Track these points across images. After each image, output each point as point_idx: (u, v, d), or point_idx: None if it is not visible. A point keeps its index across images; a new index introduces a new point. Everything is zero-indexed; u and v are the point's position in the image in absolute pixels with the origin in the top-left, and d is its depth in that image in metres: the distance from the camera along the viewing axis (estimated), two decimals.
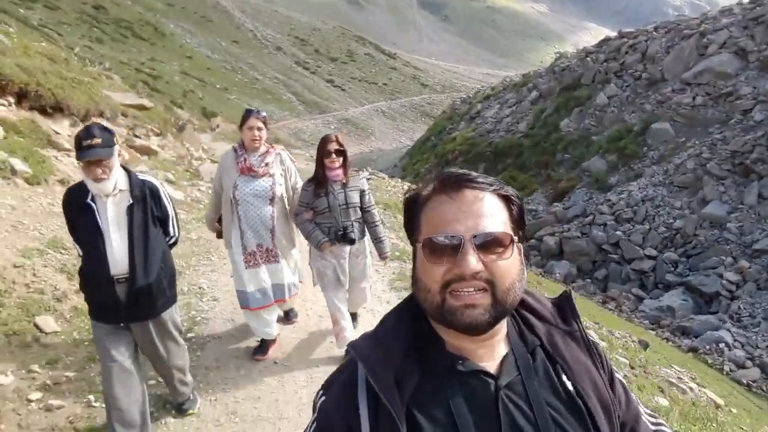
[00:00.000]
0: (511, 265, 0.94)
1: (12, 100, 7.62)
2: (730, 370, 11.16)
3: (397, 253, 6.72)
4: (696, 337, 12.49)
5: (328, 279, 3.93)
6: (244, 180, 3.84)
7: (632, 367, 6.24)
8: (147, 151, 10.05)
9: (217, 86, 54.30)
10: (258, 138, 3.84)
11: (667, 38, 23.30)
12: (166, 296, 3.01)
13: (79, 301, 4.33)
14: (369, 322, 4.42)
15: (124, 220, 2.81)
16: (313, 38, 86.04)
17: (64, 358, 3.80)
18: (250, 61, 67.34)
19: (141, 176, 2.95)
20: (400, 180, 18.31)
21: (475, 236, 0.91)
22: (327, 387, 1.01)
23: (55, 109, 8.35)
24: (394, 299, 5.33)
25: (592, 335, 6.02)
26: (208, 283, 5.54)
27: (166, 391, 3.43)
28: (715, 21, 22.48)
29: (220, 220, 4.13)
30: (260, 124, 3.85)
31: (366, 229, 4.00)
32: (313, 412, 1.00)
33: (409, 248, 1.54)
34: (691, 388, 6.64)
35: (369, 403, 0.92)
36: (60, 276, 4.62)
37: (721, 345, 11.94)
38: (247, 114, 3.91)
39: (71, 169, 6.86)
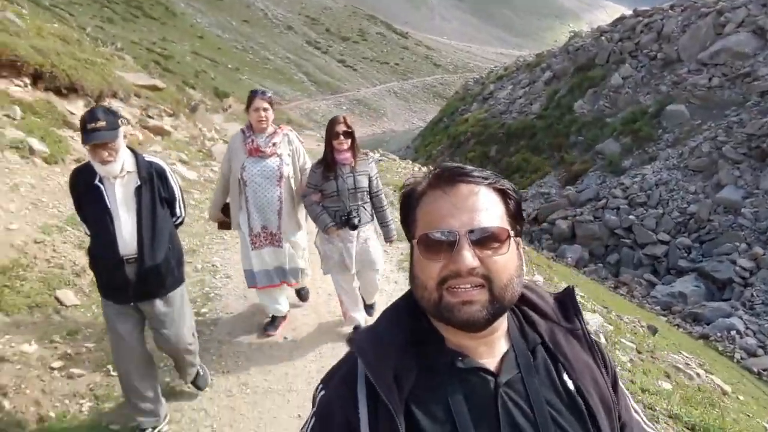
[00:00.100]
0: (508, 261, 0.93)
1: (28, 81, 7.74)
2: (741, 358, 11.08)
3: None
4: (707, 324, 12.38)
5: (333, 262, 3.95)
6: (252, 161, 3.86)
7: (639, 352, 6.26)
8: (160, 132, 10.16)
9: (229, 66, 54.23)
10: (264, 119, 3.85)
11: (684, 17, 22.79)
12: (175, 275, 3.05)
13: None
14: (377, 301, 4.49)
15: (132, 201, 2.84)
16: (324, 17, 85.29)
17: (83, 330, 3.95)
18: (261, 41, 67.04)
19: (148, 158, 2.98)
20: (411, 162, 18.28)
21: (470, 232, 0.90)
22: (327, 381, 1.01)
23: (70, 90, 8.46)
24: (402, 279, 5.43)
25: (598, 320, 6.06)
26: (221, 261, 5.68)
27: None
28: None
29: (224, 210, 4.12)
30: (266, 105, 3.86)
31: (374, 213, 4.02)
32: (313, 406, 1.00)
33: None
34: (698, 374, 6.65)
35: (368, 398, 0.92)
36: (79, 252, 4.76)
37: (733, 332, 11.82)
38: (253, 95, 3.92)
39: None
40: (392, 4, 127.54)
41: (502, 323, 0.98)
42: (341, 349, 4.08)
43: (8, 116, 6.56)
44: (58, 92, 8.21)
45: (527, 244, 15.27)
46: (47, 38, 9.73)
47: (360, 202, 3.85)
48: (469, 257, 0.89)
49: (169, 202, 3.04)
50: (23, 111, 6.87)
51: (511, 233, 0.94)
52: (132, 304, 2.94)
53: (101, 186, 2.78)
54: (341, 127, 3.76)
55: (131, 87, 10.82)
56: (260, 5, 79.02)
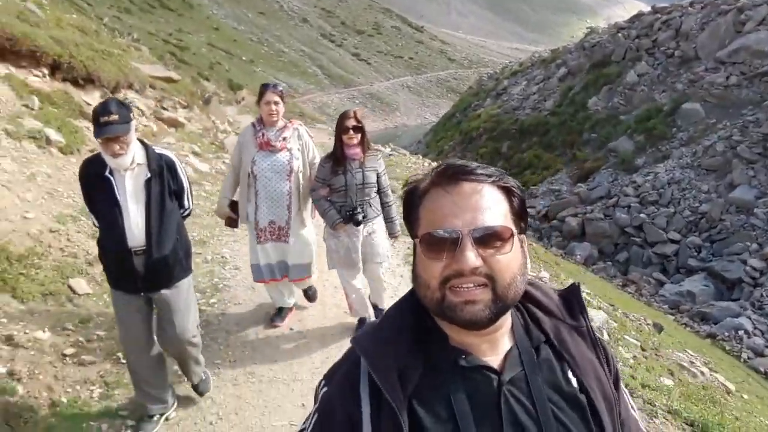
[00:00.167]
0: (511, 260, 0.92)
1: (46, 71, 7.88)
2: (748, 358, 11.03)
3: None
4: (715, 324, 12.32)
5: (338, 257, 3.97)
6: (263, 155, 3.89)
7: (643, 349, 6.27)
8: (174, 123, 10.29)
9: (243, 58, 54.46)
10: (275, 112, 3.86)
11: (703, 14, 22.46)
12: (182, 266, 3.06)
13: None
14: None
15: (141, 193, 2.84)
16: (339, 10, 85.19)
17: (95, 318, 4.06)
18: (276, 33, 67.18)
19: (158, 150, 2.99)
20: (421, 157, 18.30)
21: (473, 230, 0.90)
22: (329, 377, 1.01)
23: (87, 81, 8.59)
24: (408, 273, 5.48)
25: (602, 317, 6.07)
26: (230, 253, 5.78)
27: None
28: None
29: (233, 207, 4.12)
30: (277, 99, 3.87)
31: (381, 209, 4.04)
32: (315, 402, 1.00)
33: None
34: (702, 372, 6.64)
35: (371, 396, 0.92)
36: (92, 242, 4.87)
37: (741, 332, 11.77)
38: (264, 89, 3.93)
39: None
40: None
41: (506, 321, 0.98)
42: (346, 341, 4.16)
43: (26, 106, 6.70)
44: (75, 83, 8.35)
45: (536, 241, 15.26)
46: (66, 29, 9.88)
47: (367, 198, 3.86)
48: (471, 257, 0.88)
49: (178, 194, 3.05)
50: (41, 101, 7.00)
51: (515, 231, 0.94)
52: (141, 294, 2.97)
53: (111, 178, 2.79)
54: (351, 122, 3.76)
55: (147, 78, 10.95)
56: None
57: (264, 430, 3.18)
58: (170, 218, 2.96)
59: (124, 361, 3.57)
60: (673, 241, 15.69)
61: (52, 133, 6.42)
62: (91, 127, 2.80)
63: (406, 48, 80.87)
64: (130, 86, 9.97)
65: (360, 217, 3.78)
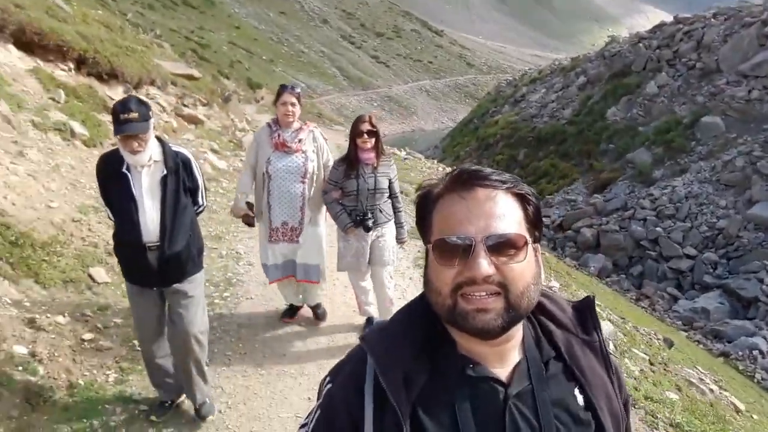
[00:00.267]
0: (525, 268, 0.91)
1: (72, 66, 8.10)
2: (762, 379, 10.89)
3: None
4: (729, 342, 12.16)
5: (347, 261, 4.04)
6: (278, 156, 3.92)
7: (651, 363, 6.23)
8: (194, 121, 10.48)
9: (263, 57, 54.89)
10: (291, 113, 3.90)
11: (726, 26, 22.19)
12: (195, 262, 3.10)
13: None
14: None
15: (157, 190, 2.89)
16: (360, 12, 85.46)
17: (113, 306, 4.20)
18: (297, 34, 67.61)
19: (174, 147, 3.03)
20: (436, 161, 18.38)
21: (486, 238, 0.88)
22: (334, 374, 1.01)
23: (110, 76, 8.82)
24: (417, 276, 5.58)
25: (609, 328, 6.07)
26: (245, 249, 5.91)
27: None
28: None
29: (249, 205, 4.14)
30: (294, 100, 3.91)
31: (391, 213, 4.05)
32: (318, 398, 1.00)
33: None
34: (711, 390, 6.59)
35: (375, 398, 0.92)
36: (111, 232, 5.01)
37: (755, 352, 11.58)
38: (282, 89, 3.98)
39: None
40: (430, 2, 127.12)
41: (518, 332, 0.97)
42: (353, 339, 4.26)
43: (53, 99, 6.90)
44: (99, 78, 8.57)
45: (549, 251, 15.22)
46: (92, 24, 10.13)
47: (378, 203, 3.89)
48: (484, 264, 0.87)
49: (192, 191, 3.09)
50: (67, 95, 7.20)
51: (529, 240, 0.92)
52: (154, 288, 3.03)
53: (128, 174, 2.83)
54: (366, 126, 3.79)
55: (168, 75, 11.18)
56: None
57: (271, 421, 3.28)
58: (184, 215, 3.00)
59: (139, 349, 3.69)
60: (688, 257, 15.51)
61: (77, 126, 6.61)
62: None
63: (425, 52, 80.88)
64: (152, 82, 10.19)
65: (370, 223, 3.81)
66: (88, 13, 11.02)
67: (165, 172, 2.90)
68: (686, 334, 12.44)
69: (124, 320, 4.03)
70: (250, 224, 4.23)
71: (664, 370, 6.31)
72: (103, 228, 5.06)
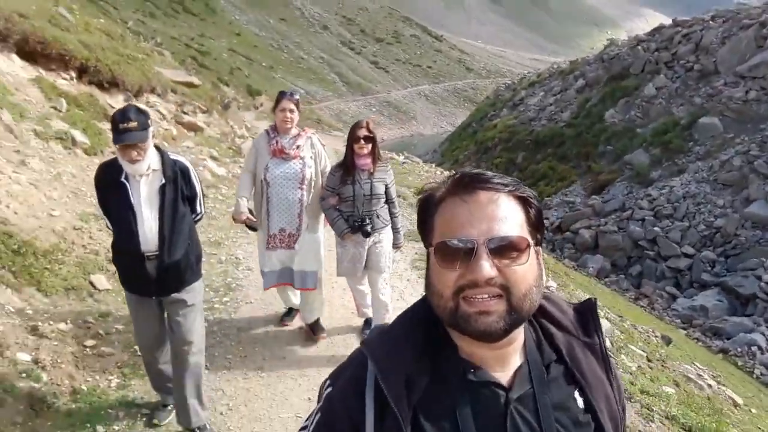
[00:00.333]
0: (527, 271, 0.91)
1: (74, 74, 8.20)
2: (761, 374, 10.98)
3: None
4: (728, 339, 12.27)
5: (344, 267, 4.07)
6: (276, 162, 3.94)
7: (649, 360, 6.26)
8: (194, 128, 10.57)
9: (263, 64, 55.11)
10: (289, 120, 3.92)
11: (724, 28, 22.33)
12: (193, 270, 3.10)
13: None
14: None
15: (156, 198, 2.89)
16: (360, 18, 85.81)
17: (114, 313, 4.27)
18: (297, 40, 67.88)
19: (173, 156, 3.02)
20: (433, 165, 18.47)
21: (489, 240, 0.88)
22: (334, 378, 1.01)
23: (111, 84, 8.91)
24: (415, 277, 5.65)
25: (605, 325, 6.12)
26: (244, 254, 5.99)
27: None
28: None
29: (251, 211, 4.13)
30: (292, 107, 3.93)
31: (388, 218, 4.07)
32: (318, 401, 1.00)
33: None
34: (709, 385, 6.63)
35: (375, 402, 0.91)
36: (112, 240, 5.09)
37: (754, 348, 11.70)
38: (281, 96, 4.01)
39: None
40: (429, 7, 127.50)
41: (519, 335, 0.97)
42: (352, 340, 4.34)
43: (55, 108, 6.99)
44: (100, 86, 8.66)
45: (548, 253, 15.28)
46: (94, 33, 10.23)
47: (374, 209, 3.91)
48: (487, 267, 0.87)
49: (191, 199, 3.09)
50: (68, 103, 7.29)
51: (531, 242, 0.92)
52: (153, 297, 3.04)
53: (127, 183, 2.84)
54: (363, 132, 3.81)
55: (169, 83, 11.28)
56: (298, 4, 79.96)
57: (272, 422, 3.34)
58: (183, 224, 3.00)
59: (140, 354, 3.76)
60: (687, 256, 15.61)
61: (78, 135, 6.69)
62: None
63: (424, 57, 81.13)
64: (153, 90, 10.28)
65: (369, 228, 3.83)
66: (90, 21, 11.13)
67: (163, 180, 2.90)
68: (685, 332, 12.51)
69: (126, 326, 4.10)
70: (253, 228, 4.21)
71: (662, 366, 6.34)
72: (103, 236, 5.13)
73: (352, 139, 3.83)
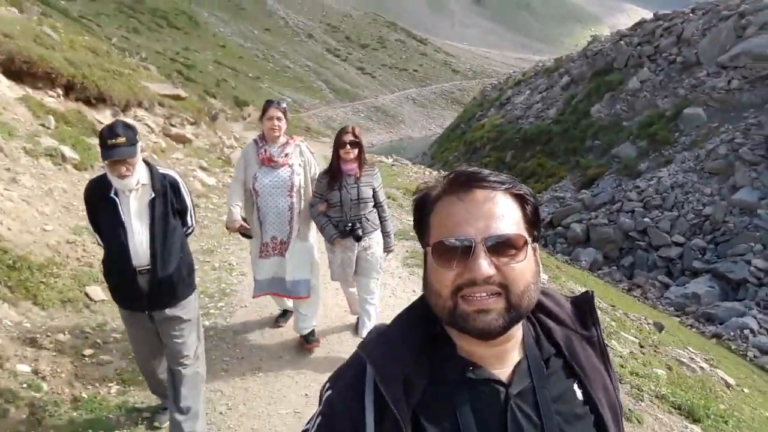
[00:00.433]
0: (525, 268, 0.91)
1: (60, 92, 8.25)
2: (754, 357, 11.13)
3: (412, 234, 7.10)
4: (720, 324, 12.48)
5: (333, 271, 4.09)
6: (264, 171, 3.92)
7: (641, 346, 6.34)
8: (182, 140, 10.63)
9: (250, 75, 55.23)
10: (277, 128, 3.91)
11: (704, 20, 22.69)
12: (186, 283, 3.08)
13: None
14: (380, 294, 4.68)
15: (146, 213, 2.87)
16: (344, 25, 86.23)
17: (110, 322, 4.32)
18: (282, 49, 68.12)
19: (162, 170, 3.00)
20: (422, 166, 18.62)
21: (486, 239, 0.88)
22: (334, 380, 1.00)
23: (98, 100, 8.95)
24: (406, 274, 5.75)
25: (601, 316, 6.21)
26: (237, 260, 6.06)
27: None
28: (756, 1, 21.64)
29: (244, 219, 4.05)
30: (279, 115, 3.92)
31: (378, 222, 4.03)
32: (319, 404, 1.00)
33: None
34: (702, 368, 6.73)
35: (375, 404, 0.91)
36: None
37: (746, 331, 11.90)
38: (267, 105, 4.00)
39: None
40: (413, 11, 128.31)
41: (518, 332, 0.97)
42: (346, 337, 4.43)
43: (43, 125, 7.03)
44: (87, 102, 8.71)
45: (541, 248, 15.40)
46: (79, 50, 10.28)
47: (363, 213, 3.90)
48: (485, 265, 0.87)
49: (181, 212, 3.08)
50: (56, 120, 7.34)
51: (528, 240, 0.92)
52: (146, 312, 3.01)
53: (116, 199, 2.82)
54: (349, 137, 3.81)
55: (155, 96, 11.34)
56: (282, 14, 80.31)
57: (270, 418, 3.41)
58: (174, 237, 2.98)
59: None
60: (677, 244, 15.83)
61: (67, 151, 6.74)
62: None
63: (410, 61, 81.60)
64: (140, 104, 10.34)
65: (360, 232, 3.83)
66: (75, 39, 11.18)
67: (153, 195, 2.89)
68: (679, 319, 12.67)
69: (123, 335, 4.14)
70: (247, 236, 4.16)
71: (654, 351, 6.42)
72: (97, 248, 5.16)
73: (338, 145, 3.84)
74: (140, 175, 2.85)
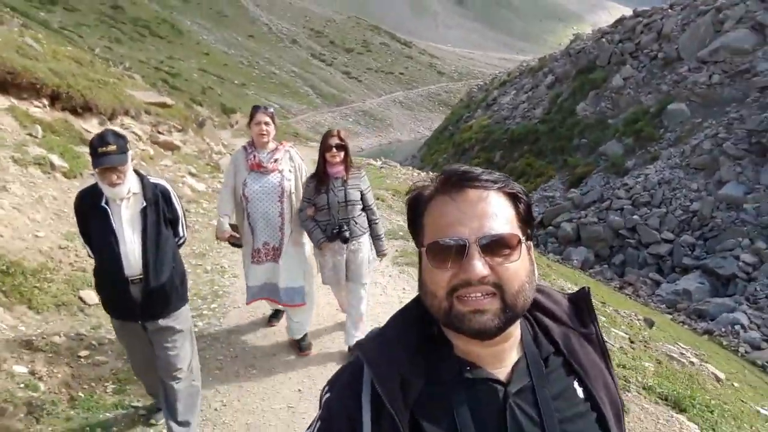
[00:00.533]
0: (519, 267, 0.90)
1: (46, 102, 8.24)
2: (746, 352, 11.23)
3: (401, 234, 7.21)
4: (712, 320, 12.58)
5: (326, 276, 4.09)
6: (254, 177, 3.91)
7: (632, 342, 6.41)
8: (170, 147, 10.63)
9: (235, 82, 55.11)
10: (266, 132, 3.89)
11: (683, 15, 22.99)
12: (179, 293, 3.07)
13: None
14: (371, 292, 4.71)
15: (138, 221, 2.86)
16: (328, 29, 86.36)
17: (105, 325, 4.34)
18: (267, 56, 68.05)
19: (153, 179, 3.00)
20: (411, 168, 18.73)
21: (480, 238, 0.88)
22: (333, 383, 1.00)
23: (85, 109, 8.95)
24: (396, 273, 5.83)
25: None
26: (228, 263, 6.11)
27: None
28: None
29: (234, 227, 4.09)
30: (267, 119, 3.90)
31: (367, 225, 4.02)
32: (319, 408, 1.00)
33: None
34: (692, 363, 6.80)
35: (372, 405, 0.91)
36: None
37: (737, 327, 12.01)
38: (255, 110, 3.99)
39: None
40: (395, 14, 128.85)
41: (515, 331, 0.96)
42: (338, 335, 4.49)
43: (31, 135, 7.04)
44: (74, 111, 8.70)
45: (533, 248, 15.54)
46: (63, 61, 10.27)
47: (351, 216, 3.88)
48: (479, 266, 0.87)
49: (173, 222, 3.07)
50: (44, 130, 7.34)
51: (522, 238, 0.92)
52: (138, 322, 3.00)
53: (107, 208, 2.81)
54: (334, 140, 3.81)
55: (142, 104, 11.32)
56: (265, 20, 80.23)
57: (264, 413, 3.47)
58: (166, 246, 2.97)
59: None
60: (666, 241, 15.96)
61: (56, 159, 6.75)
62: None
63: (395, 64, 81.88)
64: (126, 113, 10.33)
65: (347, 234, 3.81)
66: (58, 50, 11.17)
67: (144, 203, 2.89)
68: (671, 316, 12.78)
69: None
70: (237, 245, 4.15)
71: (645, 346, 6.49)
72: None
73: (324, 148, 3.84)
74: (131, 184, 2.85)
